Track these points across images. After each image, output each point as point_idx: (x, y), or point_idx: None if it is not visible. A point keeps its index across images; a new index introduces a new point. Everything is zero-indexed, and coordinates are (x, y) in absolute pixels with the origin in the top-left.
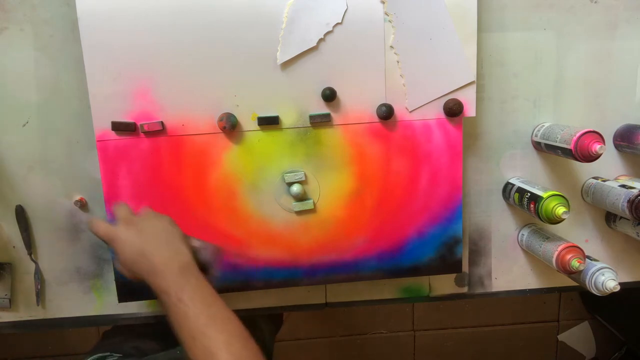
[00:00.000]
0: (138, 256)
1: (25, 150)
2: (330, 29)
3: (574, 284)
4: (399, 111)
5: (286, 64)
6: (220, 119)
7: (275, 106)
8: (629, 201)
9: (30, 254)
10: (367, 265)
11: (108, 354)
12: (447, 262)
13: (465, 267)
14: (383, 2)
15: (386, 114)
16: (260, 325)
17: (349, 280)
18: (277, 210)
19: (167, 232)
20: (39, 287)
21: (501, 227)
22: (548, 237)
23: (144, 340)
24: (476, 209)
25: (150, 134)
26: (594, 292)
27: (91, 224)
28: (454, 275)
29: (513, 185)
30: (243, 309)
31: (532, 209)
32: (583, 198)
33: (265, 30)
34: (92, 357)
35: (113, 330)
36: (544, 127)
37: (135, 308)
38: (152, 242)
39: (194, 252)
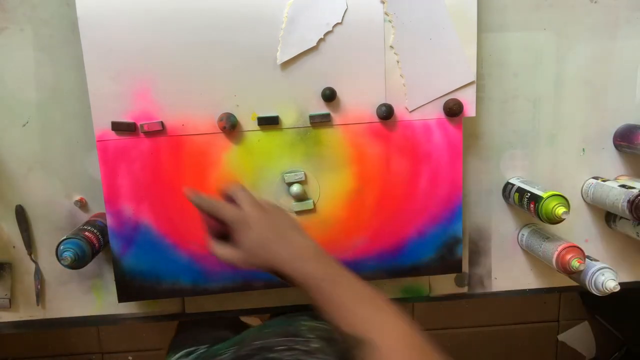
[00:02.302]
0: (273, 240)
1: (25, 150)
2: (330, 29)
3: (574, 284)
4: (399, 111)
5: (286, 64)
6: (220, 119)
7: (275, 106)
8: (629, 201)
9: (30, 254)
10: (367, 265)
11: (194, 348)
12: (447, 262)
13: (465, 267)
14: (383, 2)
15: (386, 114)
16: None
17: None
18: None
19: (293, 221)
20: (39, 287)
21: (501, 227)
22: (548, 237)
23: (218, 329)
24: (476, 209)
25: (150, 134)
26: (594, 292)
27: (216, 206)
28: (453, 275)
29: (513, 185)
30: (243, 308)
31: (532, 209)
32: (583, 198)
33: (265, 30)
34: (181, 353)
35: (181, 326)
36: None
37: (135, 308)
38: (287, 228)
39: None
